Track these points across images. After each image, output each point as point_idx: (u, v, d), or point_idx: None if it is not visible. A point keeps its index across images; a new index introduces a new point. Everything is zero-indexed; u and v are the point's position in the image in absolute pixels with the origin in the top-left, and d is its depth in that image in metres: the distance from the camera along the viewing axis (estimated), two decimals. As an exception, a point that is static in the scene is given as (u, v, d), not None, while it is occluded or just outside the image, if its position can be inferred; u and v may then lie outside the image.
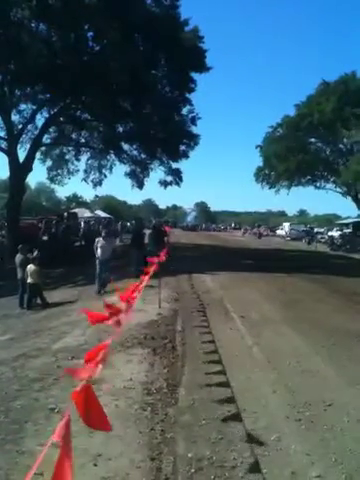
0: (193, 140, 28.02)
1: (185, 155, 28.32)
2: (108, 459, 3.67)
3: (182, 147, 27.88)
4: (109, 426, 2.09)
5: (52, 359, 6.45)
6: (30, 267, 11.89)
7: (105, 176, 31.05)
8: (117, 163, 30.25)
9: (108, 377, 5.32)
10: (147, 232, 18.83)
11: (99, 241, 13.62)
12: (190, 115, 27.39)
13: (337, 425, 4.38)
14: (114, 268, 14.26)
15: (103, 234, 14.40)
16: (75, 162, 30.97)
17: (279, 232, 60.17)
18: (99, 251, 13.37)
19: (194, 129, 27.91)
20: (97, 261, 13.37)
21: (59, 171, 31.57)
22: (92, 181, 31.01)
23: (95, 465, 3.57)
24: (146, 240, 17.10)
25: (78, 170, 31.25)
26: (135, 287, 5.09)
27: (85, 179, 30.84)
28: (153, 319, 8.76)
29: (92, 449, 3.79)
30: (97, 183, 31.08)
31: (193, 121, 27.46)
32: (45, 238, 23.08)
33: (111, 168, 30.84)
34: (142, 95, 22.68)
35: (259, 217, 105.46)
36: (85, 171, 30.83)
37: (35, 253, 12.63)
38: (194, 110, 27.47)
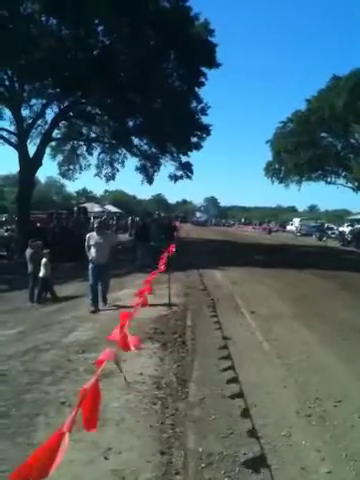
0: (204, 131, 27.88)
1: (197, 147, 28.23)
2: (118, 453, 3.68)
3: (193, 139, 27.79)
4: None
5: (62, 353, 6.48)
6: (43, 261, 11.95)
7: (117, 170, 31.15)
8: (128, 157, 30.34)
9: (118, 371, 5.33)
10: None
11: (91, 237, 9.97)
12: (200, 105, 27.31)
13: (347, 421, 4.35)
14: (121, 263, 13.78)
15: (96, 224, 10.81)
16: (87, 156, 31.11)
17: (289, 228, 59.99)
18: (92, 251, 9.79)
19: (205, 119, 27.85)
20: (90, 265, 9.87)
21: (70, 166, 31.67)
22: (105, 175, 31.11)
23: (106, 458, 3.59)
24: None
25: (90, 165, 31.37)
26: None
27: (98, 174, 30.96)
28: (163, 314, 8.77)
29: (102, 442, 3.80)
30: (110, 177, 31.23)
31: (203, 111, 27.35)
32: (56, 230, 23.13)
33: (123, 162, 30.99)
34: (152, 89, 22.65)
35: (269, 212, 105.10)
36: (97, 166, 30.93)
37: (39, 243, 12.69)
38: (205, 102, 27.43)
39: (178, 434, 4.03)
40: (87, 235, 10.25)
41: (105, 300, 9.99)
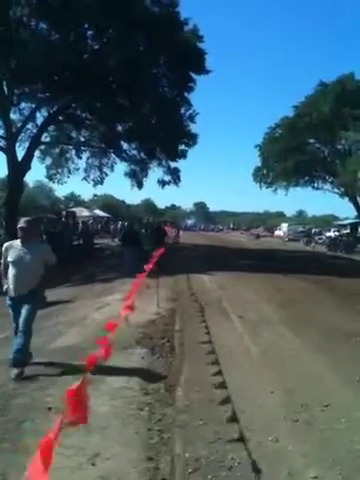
0: (192, 139, 27.91)
1: (183, 155, 28.28)
2: (106, 458, 3.66)
3: (181, 146, 27.82)
4: None
5: (49, 358, 6.42)
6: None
7: (106, 175, 30.95)
8: (118, 161, 30.21)
9: (105, 377, 5.32)
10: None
11: (10, 248, 5.88)
12: (188, 112, 27.34)
13: (334, 426, 4.37)
14: (109, 268, 13.81)
15: (21, 225, 5.86)
16: (76, 160, 30.84)
17: (277, 233, 60.32)
18: (10, 275, 5.83)
19: (193, 128, 27.86)
20: (7, 299, 6.07)
21: (58, 170, 31.43)
22: (93, 180, 30.88)
23: (93, 464, 3.57)
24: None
25: (78, 169, 31.11)
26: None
27: (85, 178, 30.69)
28: (151, 319, 8.75)
29: (90, 448, 3.78)
30: (98, 182, 30.93)
31: (192, 118, 27.40)
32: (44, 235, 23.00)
33: (112, 167, 30.78)
34: (141, 94, 22.66)
35: (257, 218, 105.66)
36: (85, 170, 30.72)
37: None
38: (193, 109, 27.48)
39: (165, 440, 4.02)
40: (4, 245, 6.08)
41: (19, 360, 5.72)
